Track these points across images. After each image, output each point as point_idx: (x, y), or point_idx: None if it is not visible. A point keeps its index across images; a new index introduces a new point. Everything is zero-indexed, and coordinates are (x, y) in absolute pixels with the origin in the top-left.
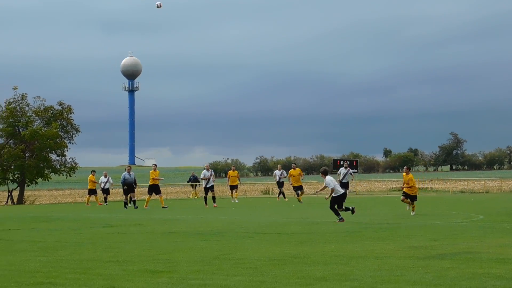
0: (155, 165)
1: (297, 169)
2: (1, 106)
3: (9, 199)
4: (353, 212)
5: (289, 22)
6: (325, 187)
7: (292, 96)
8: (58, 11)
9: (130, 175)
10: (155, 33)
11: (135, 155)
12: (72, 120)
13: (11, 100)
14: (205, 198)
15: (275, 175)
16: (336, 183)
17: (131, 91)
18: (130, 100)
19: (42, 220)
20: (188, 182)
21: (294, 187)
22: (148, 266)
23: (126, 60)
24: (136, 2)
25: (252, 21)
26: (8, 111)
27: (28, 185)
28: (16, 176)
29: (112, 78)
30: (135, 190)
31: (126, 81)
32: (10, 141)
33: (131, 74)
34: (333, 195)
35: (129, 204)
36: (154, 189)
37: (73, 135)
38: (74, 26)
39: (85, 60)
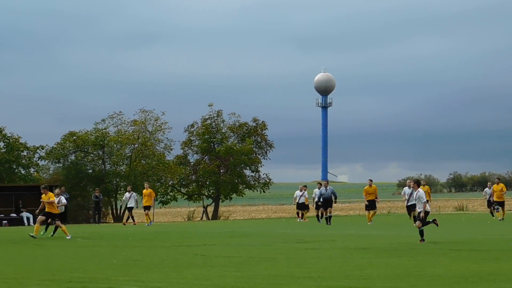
0: (371, 180)
1: (500, 184)
2: (197, 123)
3: (204, 215)
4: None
5: (479, 34)
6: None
7: (486, 110)
8: (253, 30)
9: (326, 190)
10: (348, 49)
11: (328, 170)
12: (266, 136)
13: (207, 117)
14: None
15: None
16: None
17: (324, 107)
18: (323, 115)
19: (237, 236)
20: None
21: (495, 202)
22: (341, 283)
23: (319, 76)
24: (330, 16)
25: (443, 35)
26: (204, 127)
27: (222, 201)
28: (211, 191)
29: (305, 94)
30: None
31: (319, 97)
32: (206, 157)
33: (324, 90)
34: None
35: (320, 220)
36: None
37: (267, 151)
38: (269, 43)
39: (279, 77)
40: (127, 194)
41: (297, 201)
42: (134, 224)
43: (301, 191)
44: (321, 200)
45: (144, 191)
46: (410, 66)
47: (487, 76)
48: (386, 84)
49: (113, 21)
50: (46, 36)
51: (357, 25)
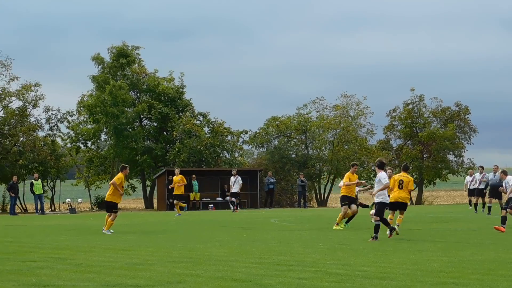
0: None
1: None
2: (399, 108)
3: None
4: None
5: None
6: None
7: None
8: (457, 13)
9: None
10: None
11: None
12: (469, 121)
13: (409, 102)
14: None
15: None
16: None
17: None
18: None
19: (441, 221)
20: None
21: None
22: None
23: None
24: None
25: None
26: (406, 112)
27: (426, 186)
28: (414, 176)
29: (510, 78)
30: None
31: None
32: (408, 142)
33: None
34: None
35: None
36: None
37: (471, 136)
38: (474, 26)
39: (482, 60)
40: (468, 178)
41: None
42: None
43: (470, 176)
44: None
45: None
46: None
47: None
48: None
49: (320, 5)
50: (249, 22)
51: None
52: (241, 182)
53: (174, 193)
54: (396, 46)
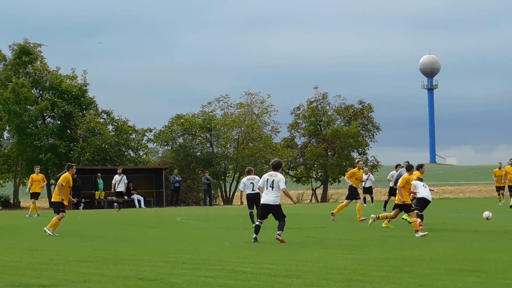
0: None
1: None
2: (303, 106)
3: (313, 197)
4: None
5: None
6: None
7: None
8: (360, 11)
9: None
10: (459, 30)
11: (436, 153)
12: (372, 119)
13: (313, 99)
14: None
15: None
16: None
17: (430, 89)
18: (429, 98)
19: (347, 218)
20: None
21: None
22: (455, 265)
23: (424, 58)
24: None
25: None
26: (310, 110)
27: (331, 183)
28: (319, 174)
29: (412, 76)
30: None
31: (425, 79)
32: (313, 140)
33: (429, 72)
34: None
35: None
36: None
37: (374, 134)
38: (377, 25)
39: (388, 60)
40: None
41: (364, 185)
42: None
43: (366, 174)
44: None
45: None
46: None
47: None
48: (497, 66)
49: (226, 5)
50: (155, 20)
51: (470, 3)
52: (127, 181)
53: (31, 191)
54: (301, 45)
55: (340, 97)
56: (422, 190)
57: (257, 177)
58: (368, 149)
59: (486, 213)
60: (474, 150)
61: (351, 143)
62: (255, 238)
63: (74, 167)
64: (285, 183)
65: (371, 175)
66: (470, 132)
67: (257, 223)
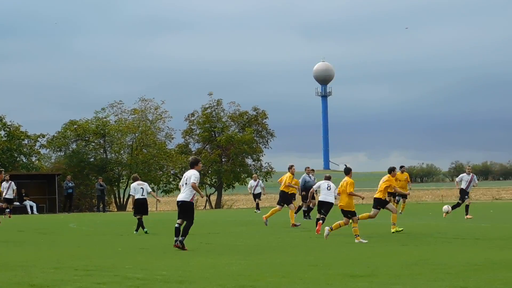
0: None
1: (405, 173)
2: (197, 112)
3: (207, 203)
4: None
5: (491, 23)
6: None
7: (491, 99)
8: (255, 16)
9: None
10: (353, 39)
11: (330, 159)
12: (266, 125)
13: (207, 106)
14: None
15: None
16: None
17: (324, 96)
18: (323, 104)
19: (241, 224)
20: None
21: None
22: (347, 271)
23: (318, 66)
24: (336, 3)
25: (452, 24)
26: (204, 116)
27: (225, 190)
28: (213, 180)
29: (306, 82)
30: None
31: (318, 86)
32: (207, 146)
33: (323, 79)
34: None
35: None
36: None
37: (268, 140)
38: (271, 30)
39: (280, 65)
40: (252, 182)
41: (252, 191)
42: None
43: (255, 180)
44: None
45: None
46: (414, 54)
47: (495, 65)
48: (389, 72)
49: (122, 10)
50: (49, 25)
51: (362, 12)
52: (15, 187)
53: None
54: (196, 51)
55: (234, 104)
56: (324, 193)
57: (145, 183)
58: (263, 156)
59: (445, 208)
60: (367, 156)
61: (245, 149)
62: (176, 241)
63: (3, 172)
64: (196, 178)
65: (260, 181)
66: (363, 139)
67: (176, 225)
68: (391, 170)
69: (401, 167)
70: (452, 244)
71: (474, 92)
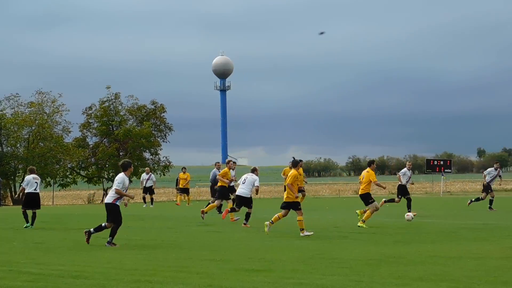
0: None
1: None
2: (95, 105)
3: (104, 198)
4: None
5: (388, 20)
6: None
7: (389, 95)
8: (156, 9)
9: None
10: (252, 33)
11: (228, 154)
12: (165, 119)
13: (105, 99)
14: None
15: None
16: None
17: (223, 90)
18: (222, 99)
19: (138, 219)
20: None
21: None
22: (244, 265)
23: (217, 60)
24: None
25: (350, 20)
26: (102, 110)
27: None
28: (111, 174)
29: (206, 77)
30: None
31: (218, 80)
32: (105, 140)
33: (222, 73)
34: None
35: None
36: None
37: (166, 134)
38: (171, 26)
39: (179, 60)
40: (144, 175)
41: (144, 185)
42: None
43: (147, 174)
44: None
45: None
46: (312, 50)
47: (392, 61)
48: (287, 67)
49: (16, 2)
50: None
51: (261, 6)
52: None
53: None
54: (94, 43)
55: (132, 97)
56: (240, 186)
57: (39, 178)
58: (160, 150)
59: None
60: (265, 151)
61: (143, 143)
62: (86, 231)
63: None
64: (119, 184)
65: (152, 175)
66: (261, 134)
67: (102, 224)
68: (371, 163)
69: (300, 161)
70: (348, 238)
71: (371, 88)
